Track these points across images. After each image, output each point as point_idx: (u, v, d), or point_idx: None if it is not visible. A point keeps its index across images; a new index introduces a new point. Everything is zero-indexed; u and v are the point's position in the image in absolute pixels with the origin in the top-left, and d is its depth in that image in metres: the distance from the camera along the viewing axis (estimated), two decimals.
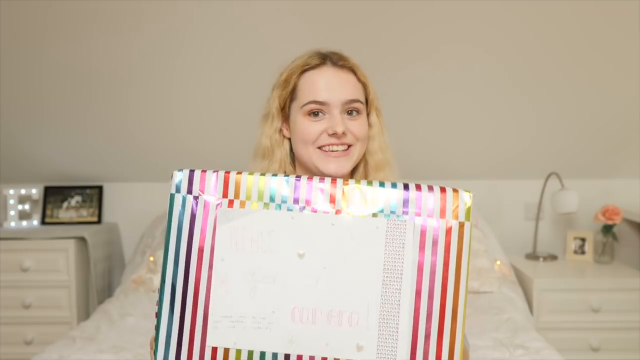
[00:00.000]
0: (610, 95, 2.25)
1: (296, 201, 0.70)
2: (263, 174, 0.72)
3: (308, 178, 0.71)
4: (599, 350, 2.18)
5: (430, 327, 0.67)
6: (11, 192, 2.57)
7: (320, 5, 1.96)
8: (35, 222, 2.61)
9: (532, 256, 2.51)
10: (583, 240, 2.49)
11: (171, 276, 0.71)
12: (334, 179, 0.71)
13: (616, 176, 2.61)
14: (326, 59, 0.96)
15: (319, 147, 0.94)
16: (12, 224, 2.56)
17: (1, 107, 2.32)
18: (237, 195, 0.71)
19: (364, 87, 0.99)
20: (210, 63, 2.16)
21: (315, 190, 0.70)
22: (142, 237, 2.54)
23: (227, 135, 2.42)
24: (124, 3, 1.95)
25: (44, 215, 2.62)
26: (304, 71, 0.96)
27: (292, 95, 0.98)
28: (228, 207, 0.71)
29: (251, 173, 0.72)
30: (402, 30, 2.04)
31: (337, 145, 0.94)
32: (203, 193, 0.72)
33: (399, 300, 0.68)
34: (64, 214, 2.63)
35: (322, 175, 0.96)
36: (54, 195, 2.65)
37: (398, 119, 2.24)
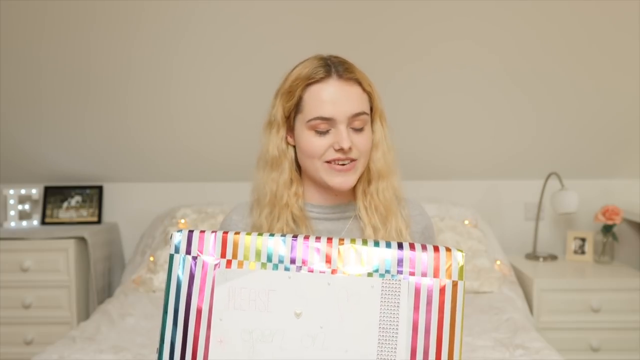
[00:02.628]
0: (611, 96, 2.25)
1: (293, 261, 0.72)
2: (260, 234, 0.74)
3: (304, 237, 0.73)
4: (599, 350, 2.18)
5: None
6: (11, 192, 2.57)
7: (318, 4, 1.96)
8: (35, 222, 2.61)
9: (532, 256, 2.51)
10: (583, 240, 2.49)
11: (170, 335, 0.73)
12: (329, 239, 0.73)
13: (616, 176, 2.61)
14: (331, 70, 0.95)
15: (327, 161, 0.94)
16: (12, 224, 2.56)
17: (1, 107, 2.32)
18: (235, 255, 0.73)
19: (369, 96, 0.98)
20: (208, 62, 2.16)
21: (312, 250, 0.72)
22: (142, 237, 2.54)
23: (225, 134, 2.42)
24: (123, 3, 1.95)
25: (44, 215, 2.62)
26: (308, 84, 0.95)
27: (297, 107, 0.97)
28: (226, 267, 0.73)
29: (249, 233, 0.74)
30: (400, 29, 2.04)
31: (343, 160, 0.94)
32: (202, 253, 0.74)
33: (395, 359, 0.68)
34: (64, 214, 2.63)
35: (325, 187, 0.98)
36: (54, 195, 2.65)
37: (397, 118, 2.23)
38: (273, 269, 0.72)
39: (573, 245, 2.50)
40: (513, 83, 2.22)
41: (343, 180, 0.95)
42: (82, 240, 2.40)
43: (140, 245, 2.50)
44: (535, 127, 2.40)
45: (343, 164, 0.94)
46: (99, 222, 2.62)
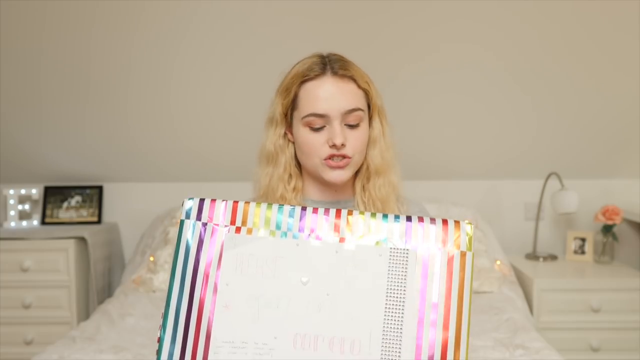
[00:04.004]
0: (611, 96, 2.25)
1: (301, 229, 0.72)
2: (270, 205, 0.74)
3: (313, 210, 0.73)
4: (599, 350, 2.18)
5: (432, 355, 0.67)
6: (11, 192, 2.57)
7: (320, 5, 1.96)
8: (35, 222, 2.61)
9: (532, 256, 2.51)
10: (583, 240, 2.49)
11: (176, 300, 0.72)
12: (338, 210, 0.73)
13: (616, 176, 2.61)
14: (326, 67, 0.96)
15: (324, 159, 0.96)
16: (12, 224, 2.56)
17: (1, 107, 2.32)
18: (244, 223, 0.73)
19: (366, 93, 0.99)
20: (209, 63, 2.16)
21: (320, 220, 0.72)
22: (142, 237, 2.54)
23: (226, 135, 2.42)
24: (123, 3, 1.95)
25: (44, 215, 2.62)
26: (303, 81, 0.96)
27: (293, 104, 0.98)
28: (235, 233, 0.73)
29: (258, 204, 0.74)
30: (402, 30, 2.04)
31: (337, 157, 0.95)
32: (212, 220, 0.74)
33: (401, 328, 0.68)
34: (64, 214, 2.63)
35: (324, 182, 1.00)
36: (54, 195, 2.65)
37: (398, 118, 2.23)
38: (281, 236, 0.72)
39: (573, 245, 2.50)
40: (513, 83, 2.22)
41: (337, 174, 0.97)
42: (82, 240, 2.40)
43: (140, 245, 2.50)
44: (536, 127, 2.40)
45: (338, 160, 0.96)
46: (99, 222, 2.62)
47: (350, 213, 0.73)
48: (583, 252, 2.48)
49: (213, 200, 0.75)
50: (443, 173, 2.61)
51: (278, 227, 0.73)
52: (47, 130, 2.43)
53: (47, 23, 2.01)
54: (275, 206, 0.74)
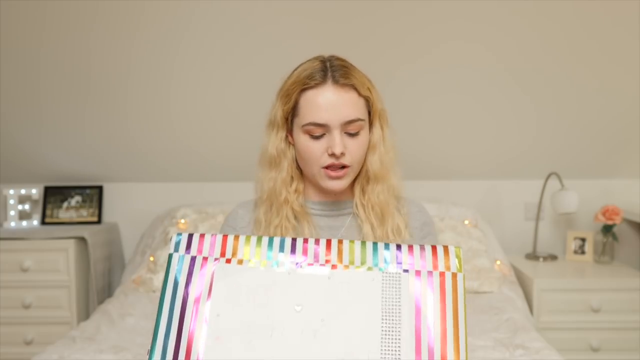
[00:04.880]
0: (611, 96, 2.25)
1: (292, 260, 0.73)
2: (260, 238, 0.74)
3: (304, 241, 0.74)
4: (599, 350, 2.18)
5: None
6: (11, 192, 2.57)
7: (320, 4, 1.96)
8: (35, 222, 2.61)
9: (532, 256, 2.51)
10: (583, 240, 2.49)
11: (163, 335, 0.70)
12: (328, 241, 0.73)
13: (616, 176, 2.61)
14: (327, 75, 0.95)
15: (323, 167, 0.97)
16: (12, 224, 2.56)
17: (1, 107, 2.32)
18: (234, 255, 0.73)
19: (367, 100, 0.98)
20: (209, 63, 2.16)
21: (311, 249, 0.73)
22: (142, 237, 2.54)
23: (226, 135, 2.42)
24: (123, 4, 1.95)
25: (44, 215, 2.62)
26: (304, 89, 0.96)
27: (293, 110, 0.98)
28: (226, 263, 0.72)
29: (248, 237, 0.74)
30: (400, 29, 2.04)
31: (336, 165, 0.96)
32: (201, 253, 0.74)
33: (400, 350, 0.68)
34: (64, 214, 2.63)
35: (323, 190, 1.02)
36: (54, 195, 2.65)
37: (397, 118, 2.23)
38: (273, 266, 0.72)
39: (573, 245, 2.50)
40: (513, 83, 2.22)
41: (335, 184, 0.98)
42: (82, 240, 2.40)
43: (140, 245, 2.50)
44: (536, 127, 2.40)
45: (337, 169, 0.96)
46: (99, 222, 2.62)
47: (340, 242, 0.73)
48: (583, 252, 2.48)
49: (202, 235, 0.75)
50: (443, 173, 2.61)
51: (269, 257, 0.73)
52: (47, 130, 2.43)
53: (47, 23, 2.01)
54: (265, 239, 0.74)
